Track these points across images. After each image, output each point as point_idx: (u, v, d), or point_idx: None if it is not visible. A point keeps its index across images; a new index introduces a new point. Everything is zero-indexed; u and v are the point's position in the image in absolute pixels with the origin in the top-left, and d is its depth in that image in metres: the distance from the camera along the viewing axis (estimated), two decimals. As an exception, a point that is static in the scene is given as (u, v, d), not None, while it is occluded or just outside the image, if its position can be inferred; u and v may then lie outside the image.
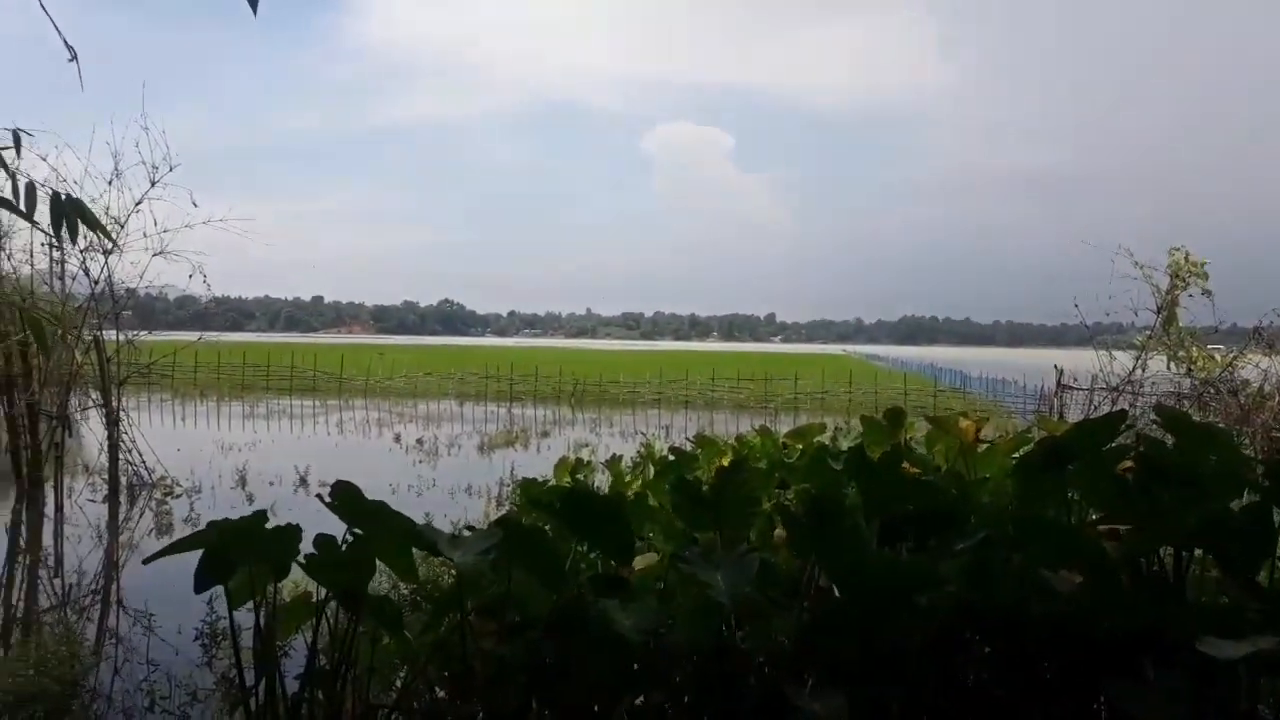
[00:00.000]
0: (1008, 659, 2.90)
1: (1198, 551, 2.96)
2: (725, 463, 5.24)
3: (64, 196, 2.93)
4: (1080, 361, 16.09)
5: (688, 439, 7.61)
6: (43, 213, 2.86)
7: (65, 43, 3.17)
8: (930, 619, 2.79)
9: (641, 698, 3.38)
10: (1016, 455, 4.18)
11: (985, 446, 4.57)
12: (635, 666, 3.39)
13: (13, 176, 2.99)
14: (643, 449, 10.89)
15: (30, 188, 2.94)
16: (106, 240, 12.69)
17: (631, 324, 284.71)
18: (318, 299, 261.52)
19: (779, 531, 3.93)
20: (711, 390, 38.49)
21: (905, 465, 3.68)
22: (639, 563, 3.70)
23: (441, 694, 3.71)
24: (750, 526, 3.61)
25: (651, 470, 6.46)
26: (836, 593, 3.01)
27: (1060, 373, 17.15)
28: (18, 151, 3.00)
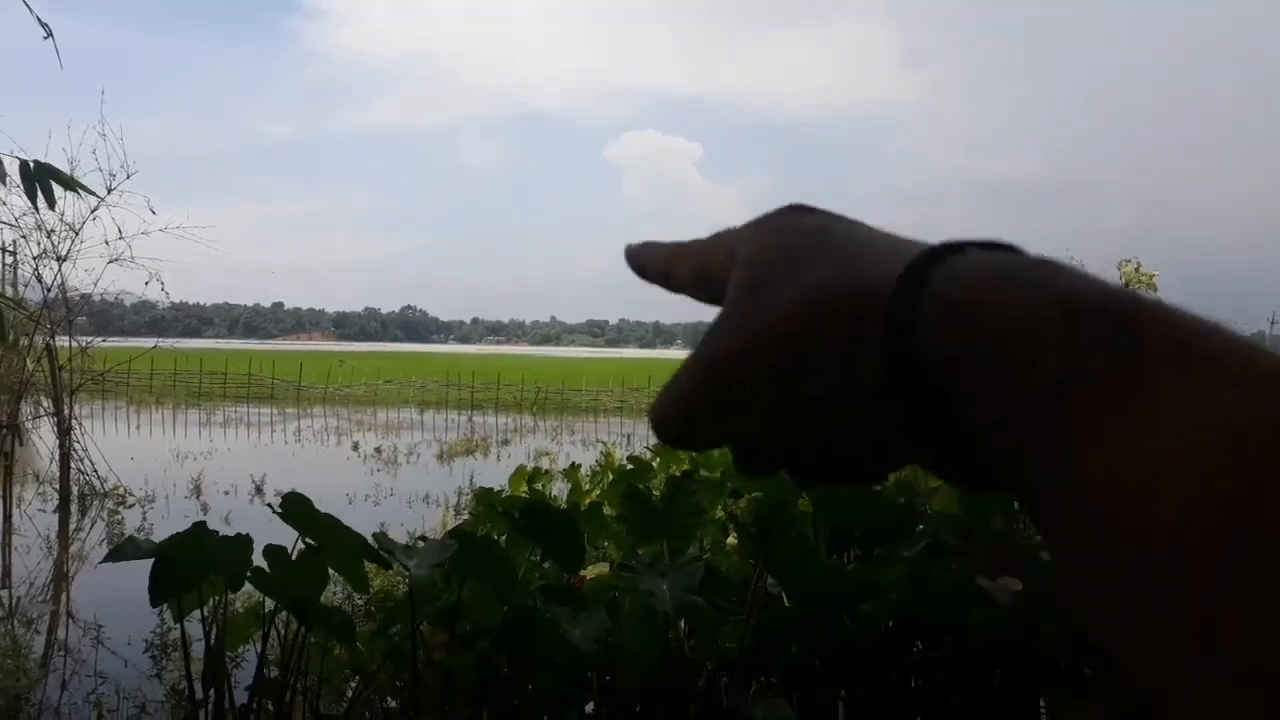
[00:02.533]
0: (952, 667, 2.96)
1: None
2: (680, 472, 5.29)
3: (33, 163, 2.93)
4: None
5: (648, 448, 7.65)
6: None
7: (39, 20, 3.16)
8: (875, 626, 2.84)
9: (591, 706, 3.41)
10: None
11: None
12: (587, 675, 3.42)
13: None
14: (602, 457, 10.92)
15: (24, 164, 2.93)
16: (87, 199, 12.34)
17: (596, 331, 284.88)
18: (278, 305, 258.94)
19: (730, 539, 3.98)
20: (674, 398, 38.49)
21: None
22: (591, 572, 3.73)
23: (394, 704, 3.71)
24: (695, 537, 3.66)
25: (610, 478, 6.49)
26: (785, 601, 3.06)
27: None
28: None
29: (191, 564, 3.30)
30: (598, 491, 6.28)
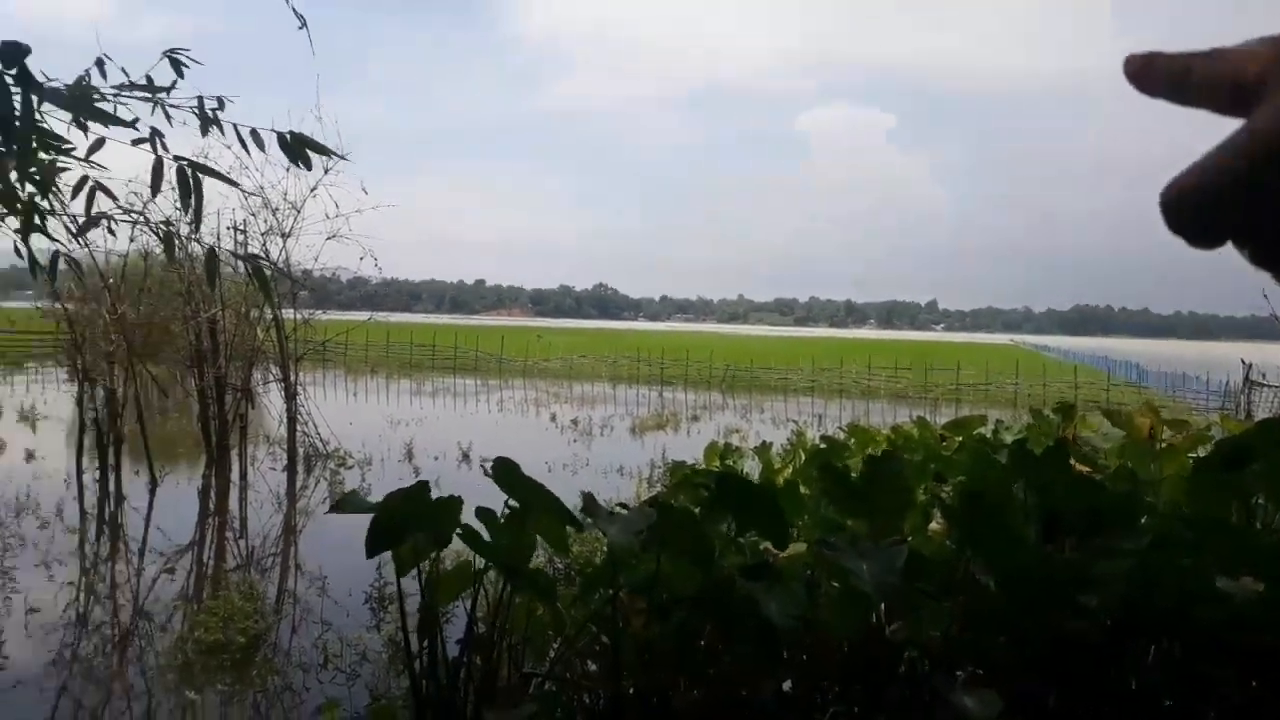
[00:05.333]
0: (1173, 665, 2.75)
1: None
2: (878, 453, 5.15)
3: (288, 133, 3.19)
4: (1272, 357, 14.94)
5: (840, 428, 7.49)
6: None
7: (295, 11, 3.42)
8: (1093, 619, 2.67)
9: (789, 683, 3.37)
10: (1195, 454, 3.95)
11: (1163, 445, 4.34)
12: (783, 652, 3.39)
13: (235, 131, 3.24)
14: (794, 437, 10.78)
15: (254, 132, 3.21)
16: (328, 163, 13.27)
17: (785, 310, 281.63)
18: (480, 282, 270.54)
19: (933, 524, 3.84)
20: (867, 379, 37.66)
21: (1072, 461, 3.54)
22: (786, 550, 3.69)
23: (593, 667, 3.80)
24: (903, 518, 3.55)
25: (802, 458, 6.40)
26: (992, 588, 2.92)
27: (1248, 368, 15.98)
28: (220, 127, 3.24)
29: (408, 519, 3.51)
30: (789, 471, 6.20)
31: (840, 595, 3.18)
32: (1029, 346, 74.22)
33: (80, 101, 2.97)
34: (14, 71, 2.79)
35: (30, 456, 13.53)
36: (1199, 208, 0.36)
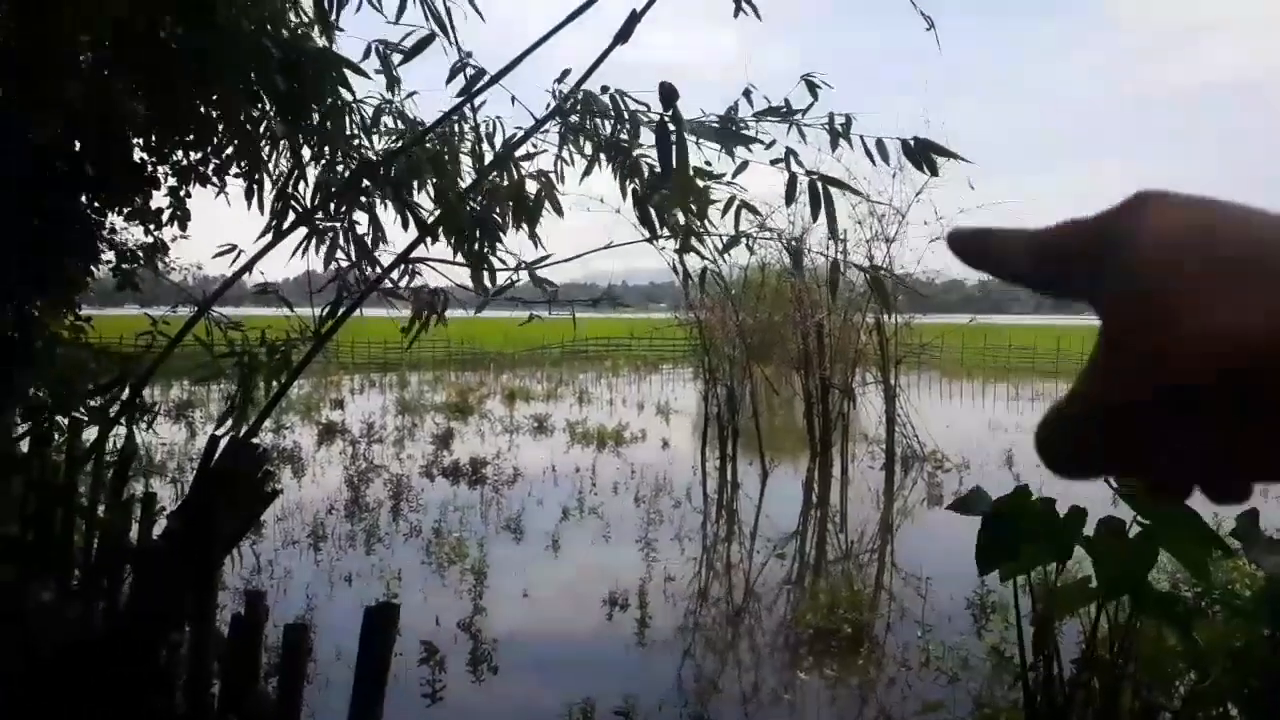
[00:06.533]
0: None
1: None
2: None
3: (912, 139, 3.37)
4: None
5: None
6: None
7: (922, 13, 3.55)
8: None
9: None
10: None
11: None
12: None
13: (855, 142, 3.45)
14: None
15: (880, 143, 3.43)
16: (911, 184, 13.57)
17: None
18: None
19: None
20: None
21: None
22: None
23: (1233, 711, 3.31)
24: None
25: None
26: None
27: None
28: (849, 141, 3.44)
29: (1017, 528, 3.35)
30: None
31: None
32: None
33: (726, 132, 3.35)
34: (669, 112, 3.25)
35: (665, 445, 15.68)
36: (1064, 454, 0.37)
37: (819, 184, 3.31)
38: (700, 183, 3.53)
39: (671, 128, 3.20)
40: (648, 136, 3.46)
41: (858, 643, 6.32)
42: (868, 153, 3.48)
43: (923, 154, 3.32)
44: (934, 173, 3.49)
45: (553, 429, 17.19)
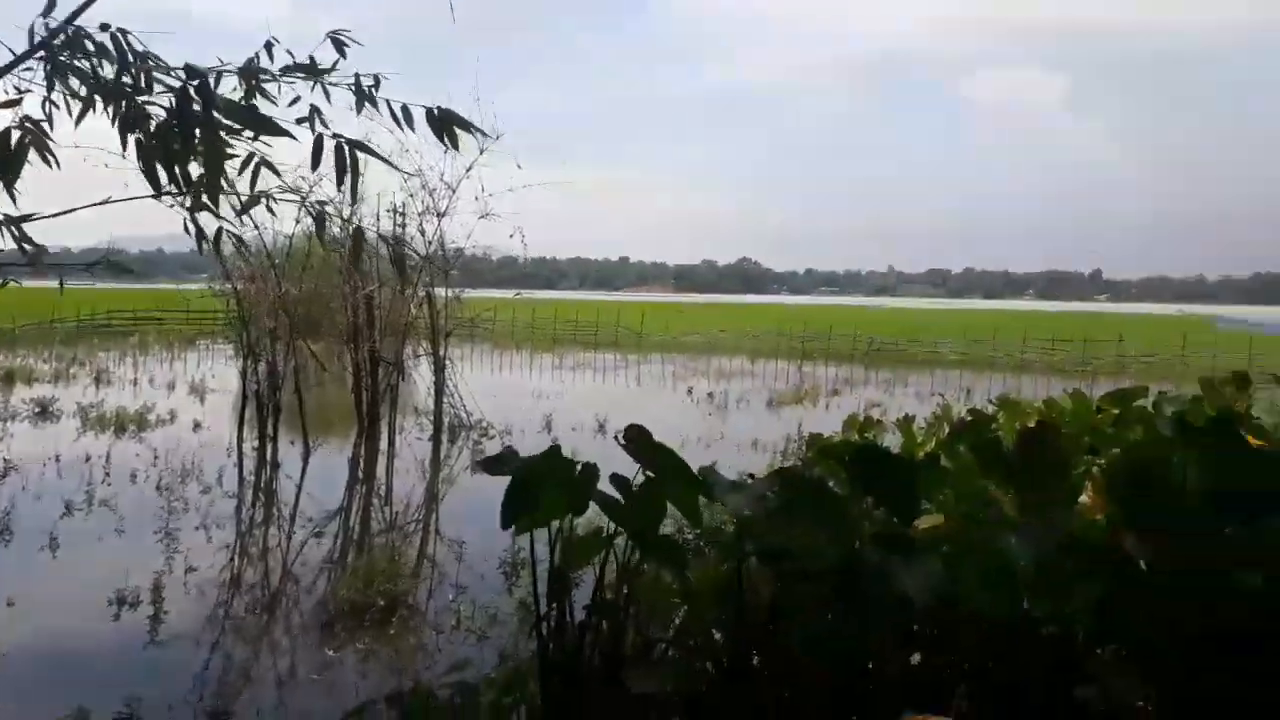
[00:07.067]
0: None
1: None
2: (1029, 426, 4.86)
3: (435, 109, 3.25)
4: None
5: (990, 402, 7.14)
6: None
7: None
8: (1251, 600, 2.41)
9: (919, 656, 3.22)
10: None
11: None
12: (915, 626, 3.24)
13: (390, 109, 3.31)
14: (938, 410, 10.37)
15: (405, 108, 3.27)
16: (483, 143, 13.61)
17: (937, 281, 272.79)
18: (624, 259, 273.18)
19: (1083, 497, 3.60)
20: (1022, 352, 36.09)
21: (1245, 434, 3.22)
22: (924, 522, 3.52)
23: (718, 635, 3.74)
24: (1060, 492, 3.32)
25: (946, 432, 6.14)
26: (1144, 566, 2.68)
27: None
28: (374, 104, 3.31)
29: (543, 484, 3.52)
30: (931, 444, 5.95)
31: (986, 570, 2.98)
32: (1201, 318, 69.51)
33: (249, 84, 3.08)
34: (195, 83, 2.93)
35: (197, 426, 14.41)
36: None
37: (346, 147, 3.18)
38: (228, 138, 3.23)
39: (185, 76, 2.91)
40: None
41: (391, 613, 6.29)
42: (394, 117, 3.39)
43: (444, 125, 3.29)
44: (454, 145, 3.46)
45: (60, 414, 15.03)
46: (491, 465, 3.77)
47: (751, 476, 3.87)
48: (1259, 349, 33.57)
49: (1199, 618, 2.42)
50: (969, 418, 5.88)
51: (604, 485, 3.57)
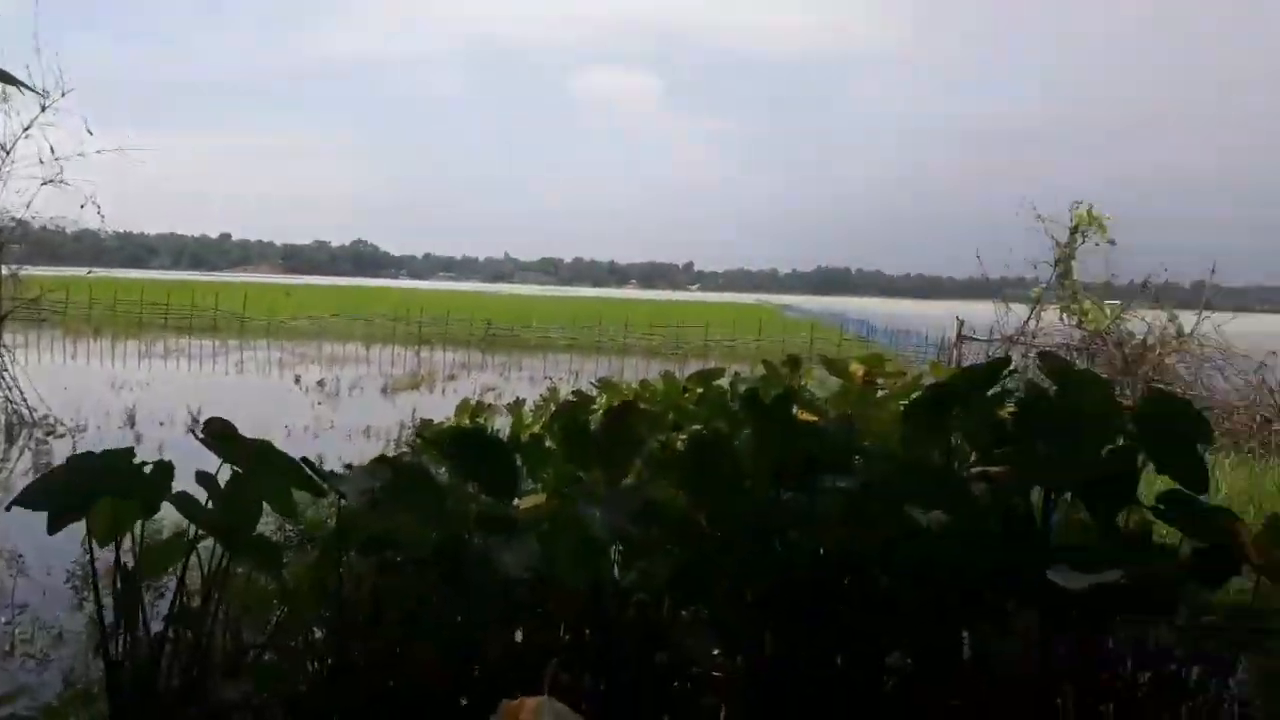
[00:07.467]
0: (877, 600, 2.93)
1: (1066, 495, 3.02)
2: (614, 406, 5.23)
3: None
4: (986, 314, 16.54)
5: (594, 383, 7.57)
6: None
7: None
8: (802, 555, 2.81)
9: (521, 634, 3.35)
10: (908, 401, 4.22)
11: (881, 392, 4.64)
12: (517, 606, 3.36)
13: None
14: (548, 393, 10.83)
15: None
16: (19, 116, 11.88)
17: (550, 270, 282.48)
18: (225, 236, 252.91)
19: (665, 471, 3.94)
20: (624, 337, 38.54)
21: (797, 409, 3.69)
22: (527, 502, 3.66)
23: (319, 633, 3.63)
24: (631, 466, 3.61)
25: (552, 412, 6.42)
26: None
27: (961, 324, 17.65)
28: None
29: (96, 485, 3.17)
30: (538, 426, 6.21)
31: (573, 544, 3.17)
32: (774, 306, 78.48)
33: None
34: None
35: None
36: None
37: None
38: None
39: None
40: None
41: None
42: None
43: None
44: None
45: None
46: (24, 498, 3.25)
47: (349, 466, 3.80)
48: (818, 333, 38.71)
49: (763, 579, 2.77)
50: (574, 399, 6.20)
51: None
